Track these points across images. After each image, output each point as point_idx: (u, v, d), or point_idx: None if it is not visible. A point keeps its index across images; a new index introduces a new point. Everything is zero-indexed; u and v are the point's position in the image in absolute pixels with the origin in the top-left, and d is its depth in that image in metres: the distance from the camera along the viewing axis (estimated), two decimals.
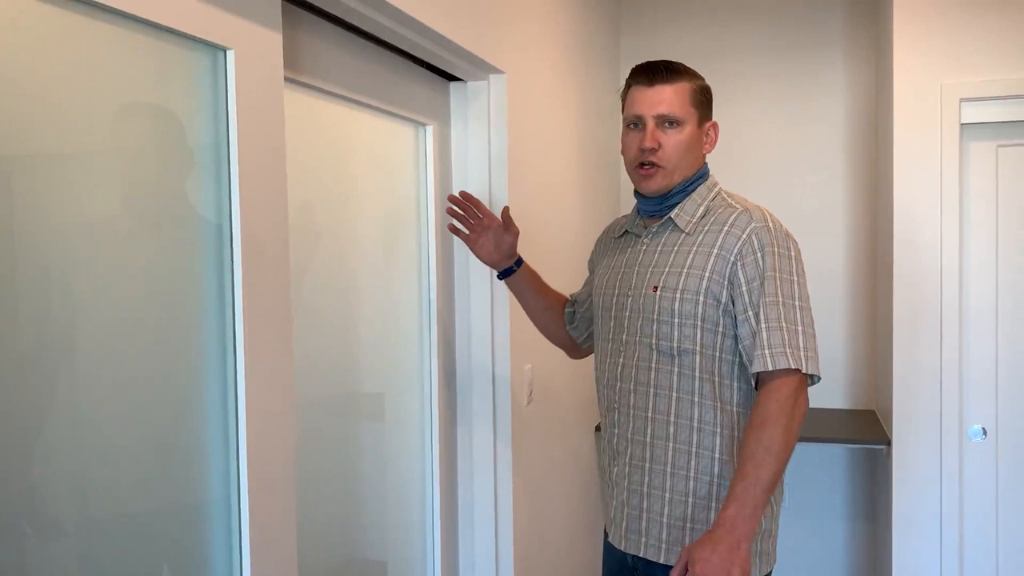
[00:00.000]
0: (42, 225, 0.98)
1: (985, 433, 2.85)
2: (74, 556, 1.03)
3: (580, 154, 2.99)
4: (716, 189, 1.78)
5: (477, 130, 2.16)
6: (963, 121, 2.80)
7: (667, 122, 1.72)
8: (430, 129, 2.04)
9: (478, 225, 1.94)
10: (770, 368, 1.58)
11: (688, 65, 1.83)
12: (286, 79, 1.44)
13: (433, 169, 2.05)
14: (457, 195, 1.94)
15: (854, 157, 3.48)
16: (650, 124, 1.72)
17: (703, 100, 1.76)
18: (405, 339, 2.01)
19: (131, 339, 1.11)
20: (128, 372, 1.11)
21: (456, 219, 1.95)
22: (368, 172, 1.89)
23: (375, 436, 1.91)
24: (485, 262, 1.97)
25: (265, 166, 1.31)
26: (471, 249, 1.96)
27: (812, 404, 3.52)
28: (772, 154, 3.57)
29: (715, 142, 1.79)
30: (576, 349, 2.12)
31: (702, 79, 1.78)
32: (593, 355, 1.93)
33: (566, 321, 2.06)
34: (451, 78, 2.13)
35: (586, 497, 3.04)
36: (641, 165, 1.74)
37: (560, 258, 2.67)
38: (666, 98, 1.71)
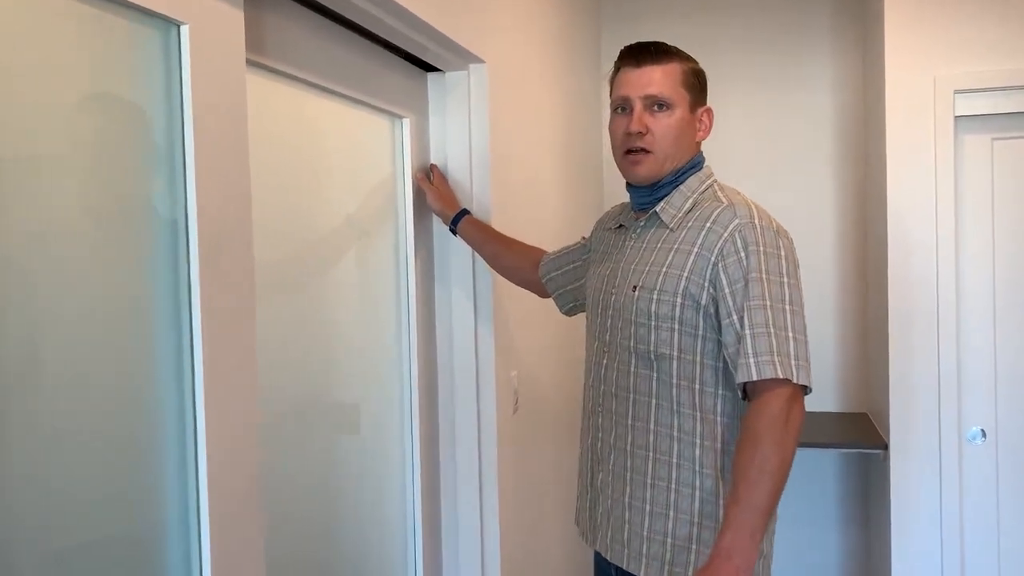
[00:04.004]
0: None
1: (984, 435, 2.77)
2: None
3: (564, 148, 2.88)
4: (709, 181, 1.66)
5: (457, 123, 2.04)
6: (957, 114, 2.71)
7: (656, 104, 1.61)
8: (407, 122, 1.93)
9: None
10: (755, 378, 1.44)
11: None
12: (249, 62, 1.31)
13: (410, 164, 1.93)
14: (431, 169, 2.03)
15: (843, 152, 3.39)
16: (638, 106, 1.61)
17: (695, 83, 1.64)
18: (381, 346, 1.89)
19: (73, 349, 0.98)
20: (71, 385, 0.98)
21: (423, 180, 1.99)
22: (341, 166, 1.78)
23: (350, 449, 1.79)
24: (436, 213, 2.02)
25: (225, 156, 1.18)
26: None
27: None
28: (756, 150, 3.48)
29: (709, 129, 1.67)
30: (544, 291, 2.04)
31: (695, 61, 1.67)
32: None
33: (540, 275, 1.99)
34: (429, 68, 2.01)
35: (573, 502, 2.92)
36: (629, 152, 1.63)
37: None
38: (655, 79, 1.60)
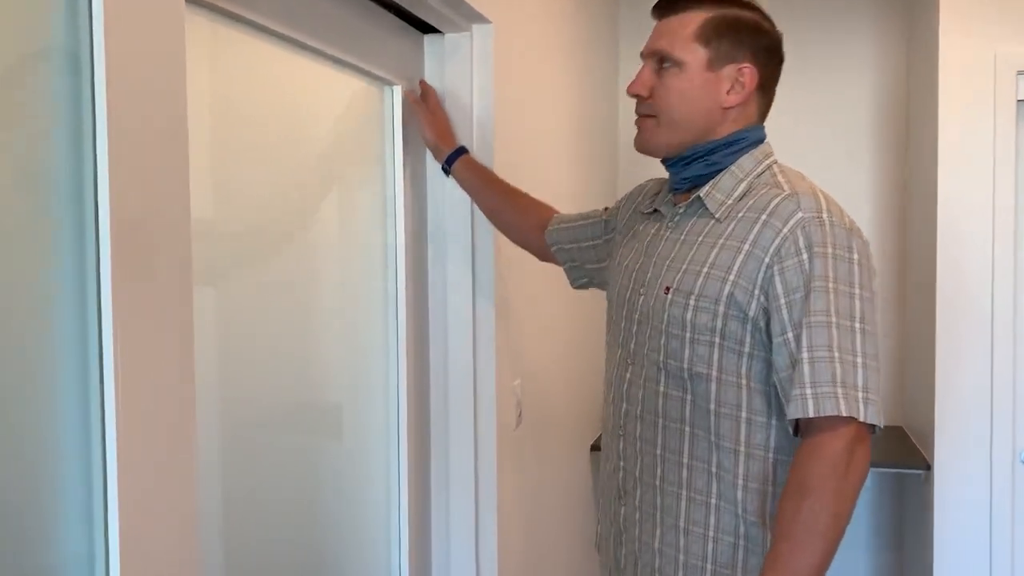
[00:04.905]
0: None
1: None
2: None
3: (576, 125, 2.61)
4: (767, 162, 1.36)
5: (457, 93, 1.77)
6: (1021, 97, 2.43)
7: (662, 61, 1.34)
8: (399, 90, 1.66)
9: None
10: (812, 414, 1.17)
11: None
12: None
13: (402, 139, 1.66)
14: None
15: (881, 141, 3.11)
16: (645, 65, 1.37)
17: (722, 34, 1.32)
18: (364, 344, 1.65)
19: None
20: None
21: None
22: (319, 137, 1.53)
23: (325, 465, 1.56)
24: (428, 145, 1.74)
25: (151, 116, 0.91)
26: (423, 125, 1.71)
27: None
28: (785, 139, 3.17)
29: (751, 92, 1.34)
30: (548, 257, 1.75)
31: (738, 5, 1.35)
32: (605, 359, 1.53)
33: (549, 242, 1.70)
34: (426, 29, 1.74)
35: (586, 530, 2.66)
36: (638, 116, 1.40)
37: None
38: (664, 31, 1.35)
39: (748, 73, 1.32)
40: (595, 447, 2.78)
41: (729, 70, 1.32)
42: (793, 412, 1.19)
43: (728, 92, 1.32)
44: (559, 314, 2.39)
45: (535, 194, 1.78)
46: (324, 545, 1.55)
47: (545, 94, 2.27)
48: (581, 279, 1.70)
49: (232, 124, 1.29)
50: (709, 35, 1.31)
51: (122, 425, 0.87)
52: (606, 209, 1.66)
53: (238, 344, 1.31)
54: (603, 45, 3.00)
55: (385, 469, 1.68)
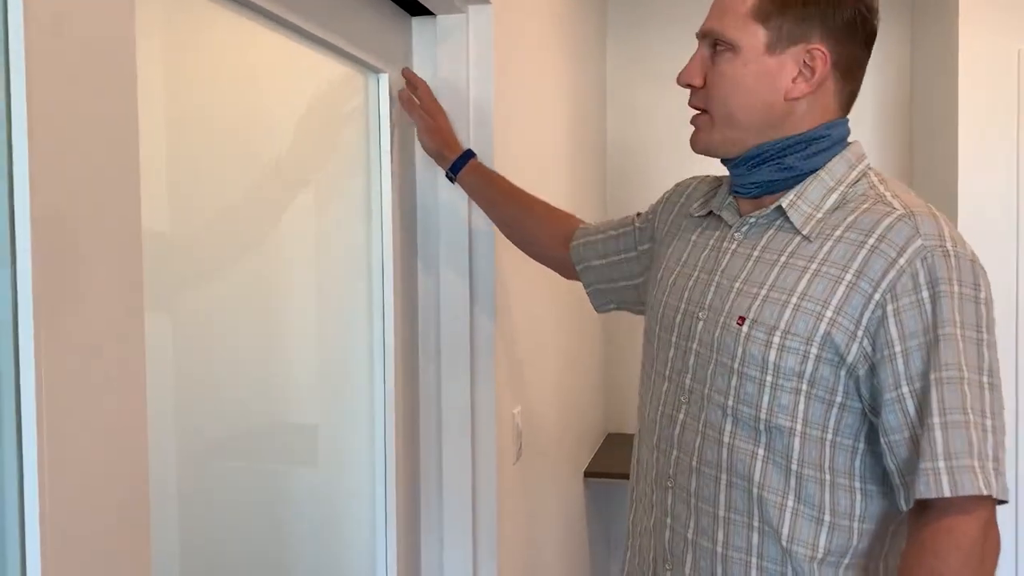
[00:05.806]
0: None
1: None
2: None
3: (572, 118, 2.42)
4: (862, 167, 1.14)
5: (451, 84, 1.57)
6: None
7: (715, 44, 1.13)
8: (385, 79, 1.46)
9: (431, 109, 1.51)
10: (949, 493, 0.96)
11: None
12: None
13: (389, 132, 1.46)
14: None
15: (884, 141, 2.97)
16: (698, 48, 1.16)
17: (785, 8, 1.09)
18: (345, 369, 1.47)
19: None
20: None
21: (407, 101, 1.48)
22: (296, 129, 1.33)
23: (304, 497, 1.37)
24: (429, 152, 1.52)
25: (88, 96, 0.70)
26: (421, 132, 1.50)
27: None
28: None
29: (823, 79, 1.10)
30: (574, 276, 1.52)
31: None
32: (639, 387, 1.30)
33: (574, 259, 1.47)
34: (416, 10, 1.54)
35: (583, 568, 2.47)
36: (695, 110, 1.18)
37: None
38: (719, 7, 1.13)
39: (819, 56, 1.10)
40: (588, 473, 2.59)
41: (794, 52, 1.10)
42: (924, 491, 0.98)
43: (794, 80, 1.10)
44: (557, 328, 2.20)
45: (536, 195, 1.58)
46: None
47: (545, 85, 2.08)
48: (608, 303, 1.48)
49: (192, 110, 1.08)
50: (769, 11, 1.09)
51: (47, 487, 0.66)
52: (638, 215, 1.44)
53: (202, 368, 1.13)
54: (592, 28, 2.83)
55: (371, 513, 1.47)
